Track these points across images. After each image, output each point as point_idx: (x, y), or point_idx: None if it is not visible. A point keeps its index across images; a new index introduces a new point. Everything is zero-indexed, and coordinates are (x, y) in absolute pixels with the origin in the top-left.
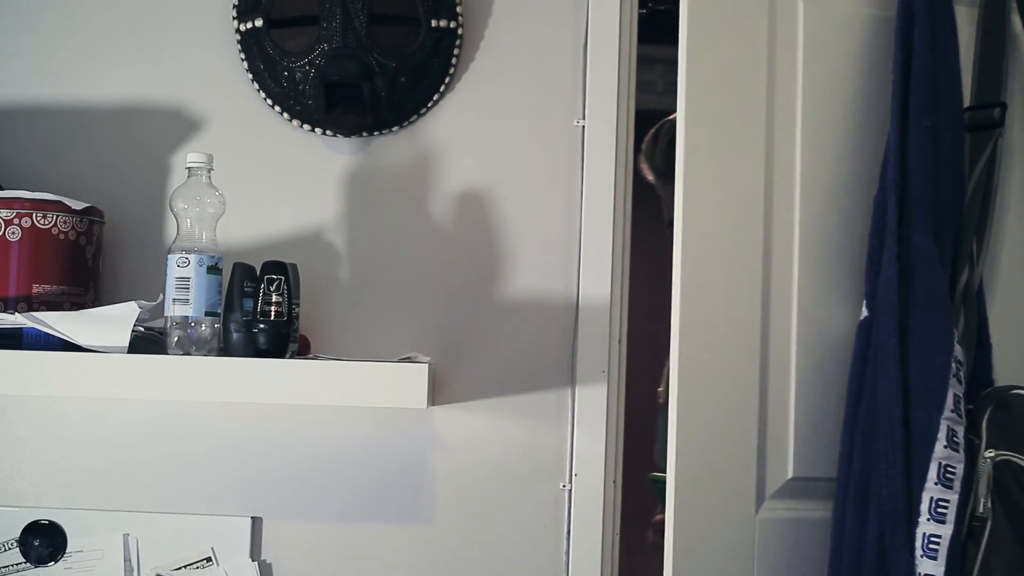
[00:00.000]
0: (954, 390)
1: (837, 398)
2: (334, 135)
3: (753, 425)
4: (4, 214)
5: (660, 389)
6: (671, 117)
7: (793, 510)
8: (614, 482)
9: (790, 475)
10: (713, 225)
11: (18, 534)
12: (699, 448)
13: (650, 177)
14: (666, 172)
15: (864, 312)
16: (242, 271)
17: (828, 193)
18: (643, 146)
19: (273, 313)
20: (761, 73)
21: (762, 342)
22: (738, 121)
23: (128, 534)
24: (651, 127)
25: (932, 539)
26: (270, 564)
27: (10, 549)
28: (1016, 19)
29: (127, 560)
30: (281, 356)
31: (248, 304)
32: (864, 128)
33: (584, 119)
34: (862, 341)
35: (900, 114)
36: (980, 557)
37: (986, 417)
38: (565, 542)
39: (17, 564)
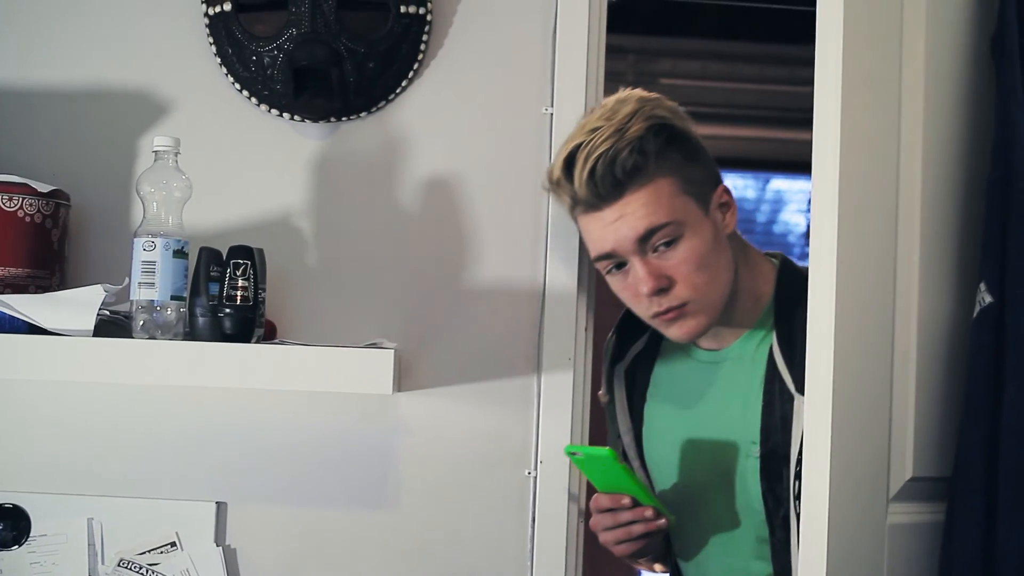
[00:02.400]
0: None
1: (954, 393)
2: (302, 120)
3: (885, 424)
4: None
5: (600, 393)
6: (587, 141)
7: (916, 513)
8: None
9: (910, 475)
10: (858, 223)
11: None
12: (848, 452)
13: (566, 205)
14: (589, 202)
15: (987, 299)
16: (208, 255)
17: (947, 180)
18: (555, 173)
19: (239, 298)
20: (893, 58)
21: (892, 337)
22: (871, 104)
23: (92, 518)
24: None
25: None
26: (235, 549)
27: None
28: None
29: (91, 544)
30: (247, 341)
31: (214, 288)
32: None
33: (552, 107)
34: (987, 332)
35: None
36: None
37: None
38: (530, 529)
39: None
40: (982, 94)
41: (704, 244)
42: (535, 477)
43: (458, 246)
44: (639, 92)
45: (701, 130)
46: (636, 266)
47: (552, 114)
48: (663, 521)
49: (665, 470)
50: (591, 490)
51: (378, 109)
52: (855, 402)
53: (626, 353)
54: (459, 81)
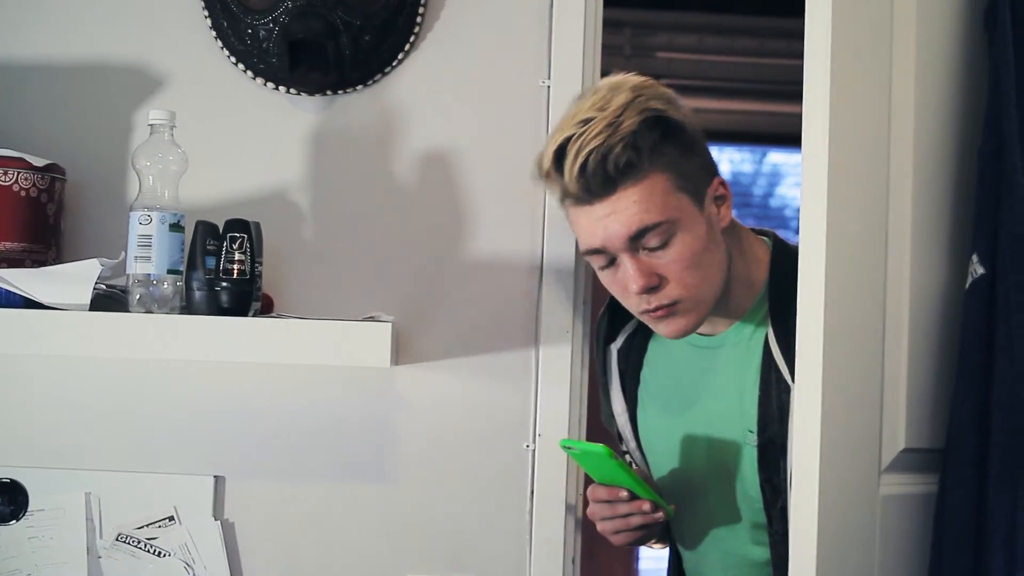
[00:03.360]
0: None
1: (947, 365)
2: (298, 93)
3: (877, 396)
4: None
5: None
6: (578, 133)
7: (909, 484)
8: None
9: (903, 446)
10: (848, 196)
11: None
12: (839, 424)
13: (556, 196)
14: (579, 196)
15: (979, 270)
16: (205, 229)
17: (939, 152)
18: (545, 165)
19: (236, 271)
20: (885, 30)
21: (883, 308)
22: (861, 77)
23: (90, 493)
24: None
25: None
26: (232, 523)
27: None
28: None
29: (89, 519)
30: (244, 314)
31: (211, 262)
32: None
33: (550, 79)
34: (979, 303)
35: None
36: None
37: None
38: (529, 502)
39: None
40: (975, 66)
41: (697, 242)
42: (533, 450)
43: (455, 219)
44: (633, 79)
45: (698, 103)
46: (626, 263)
47: (549, 87)
48: (660, 515)
49: (661, 454)
50: (588, 477)
51: (374, 82)
52: (846, 374)
53: (618, 333)
54: (456, 54)
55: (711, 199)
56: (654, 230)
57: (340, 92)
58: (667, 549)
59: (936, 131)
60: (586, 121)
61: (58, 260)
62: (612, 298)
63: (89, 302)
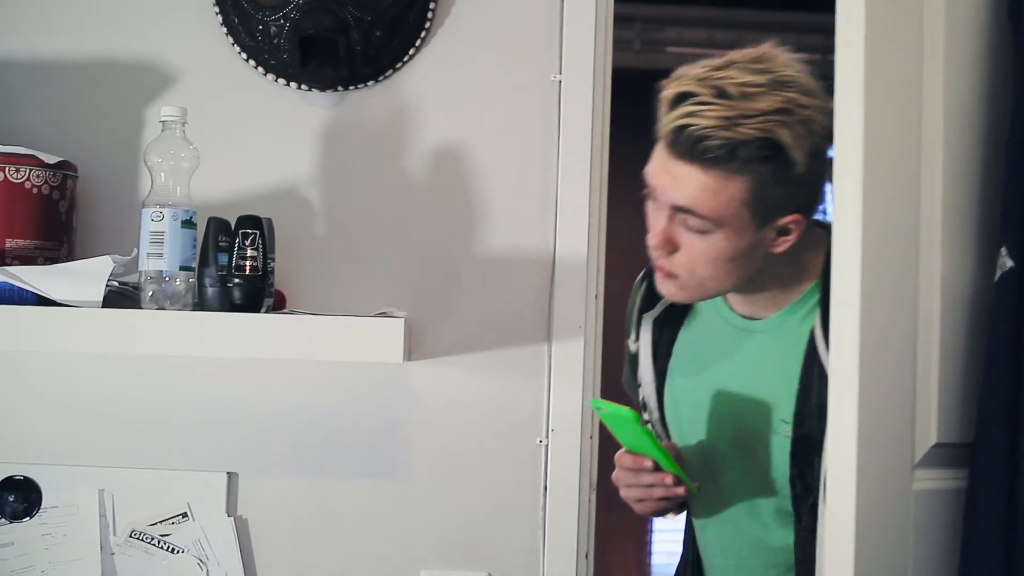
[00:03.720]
0: None
1: (977, 358)
2: (309, 89)
3: (910, 390)
4: None
5: (630, 341)
6: (703, 100)
7: (941, 479)
8: (591, 437)
9: (934, 441)
10: (881, 189)
11: None
12: (874, 419)
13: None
14: (663, 138)
15: (1008, 263)
16: (217, 225)
17: (968, 145)
18: (667, 92)
19: (248, 268)
20: (915, 26)
21: (916, 302)
22: (893, 73)
23: (103, 489)
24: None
25: None
26: (246, 519)
27: None
28: None
29: (102, 515)
30: (256, 311)
31: (223, 259)
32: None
33: (561, 74)
34: (1008, 295)
35: None
36: None
37: None
38: (542, 498)
39: None
40: (1001, 59)
41: (729, 251)
42: (547, 446)
43: (467, 214)
44: (798, 94)
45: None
46: (661, 216)
47: (560, 81)
48: (682, 490)
49: (685, 428)
50: (605, 454)
51: (385, 78)
52: (881, 369)
53: (656, 303)
54: (467, 49)
55: (775, 227)
56: (695, 217)
57: (351, 88)
58: (683, 521)
59: (964, 125)
60: (722, 93)
61: (70, 257)
62: (650, 267)
63: (102, 299)
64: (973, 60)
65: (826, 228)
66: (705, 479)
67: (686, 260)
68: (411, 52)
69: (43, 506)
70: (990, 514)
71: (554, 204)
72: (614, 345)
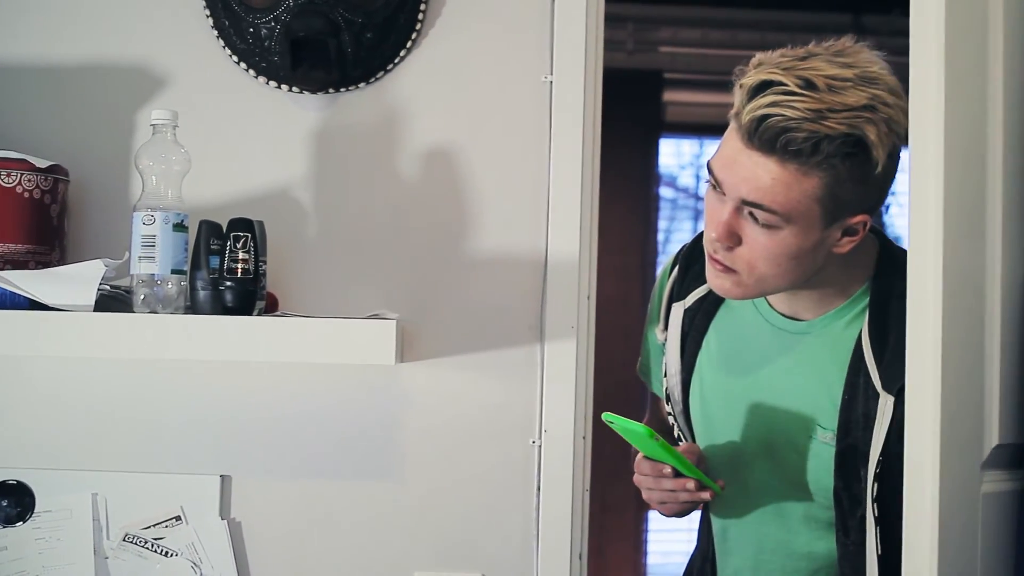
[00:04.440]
0: None
1: None
2: (300, 92)
3: (980, 391)
4: None
5: (658, 329)
6: (787, 90)
7: (1003, 480)
8: (584, 438)
9: (996, 441)
10: (957, 198)
11: None
12: (951, 423)
13: (734, 105)
14: (740, 128)
15: None
16: (208, 228)
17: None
18: (747, 82)
19: (240, 270)
20: (981, 28)
21: (984, 302)
22: (966, 80)
23: (97, 493)
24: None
25: None
26: (239, 522)
27: None
28: None
29: (96, 519)
30: (248, 313)
31: (215, 262)
32: None
33: (552, 75)
34: None
35: None
36: None
37: None
38: (535, 498)
39: None
40: None
41: (794, 248)
42: (540, 446)
43: (459, 216)
44: (884, 91)
45: (701, 98)
46: (726, 208)
47: (552, 82)
48: (707, 494)
49: (713, 424)
50: (599, 454)
51: (376, 80)
52: (958, 372)
53: (689, 293)
54: (458, 50)
55: (843, 226)
56: (766, 211)
57: (342, 90)
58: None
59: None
60: (810, 84)
61: (62, 261)
62: (687, 248)
63: (94, 303)
64: None
65: (875, 232)
66: (730, 478)
67: (747, 255)
68: (402, 54)
69: (36, 510)
70: None
71: (546, 205)
72: (607, 345)
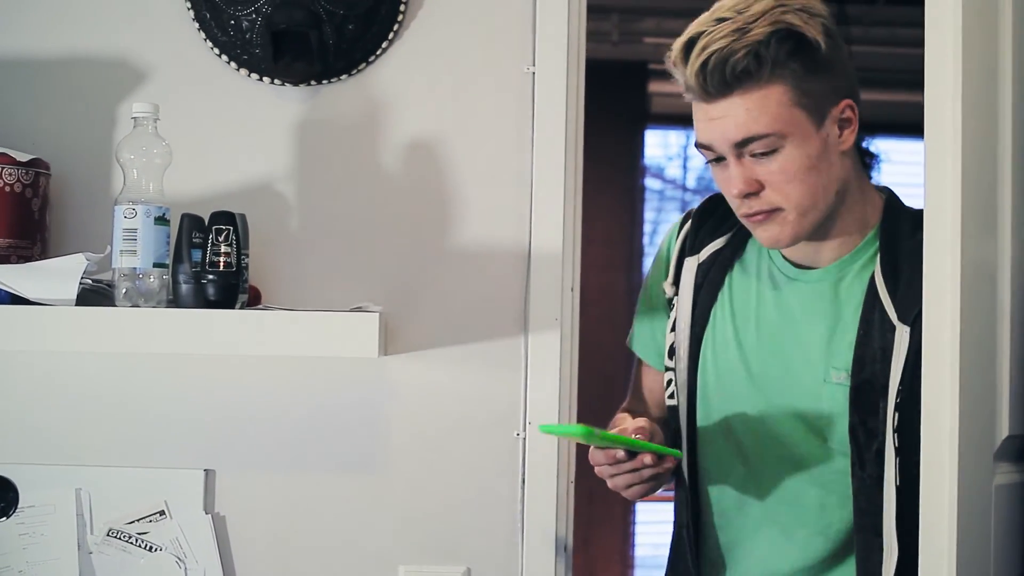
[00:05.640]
0: None
1: None
2: (282, 84)
3: (992, 382)
4: None
5: (666, 283)
6: (708, 31)
7: (1012, 472)
8: None
9: (1006, 433)
10: (972, 187)
11: None
12: (967, 415)
13: (680, 86)
14: (696, 92)
15: None
16: (190, 222)
17: None
18: (674, 54)
19: (222, 264)
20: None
21: (995, 291)
22: (979, 72)
23: (80, 488)
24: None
25: None
26: (224, 516)
27: None
28: None
29: (80, 515)
30: (231, 307)
31: (197, 255)
32: None
33: (534, 66)
34: None
35: None
36: None
37: None
38: (520, 490)
39: None
40: None
41: (805, 158)
42: (524, 438)
43: (442, 208)
44: None
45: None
46: (731, 165)
47: (534, 73)
48: (670, 463)
49: (723, 377)
50: (584, 446)
51: (358, 71)
52: (974, 362)
53: (703, 247)
54: (440, 42)
55: (834, 120)
56: (760, 140)
57: (324, 82)
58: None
59: None
60: (720, 20)
61: (43, 255)
62: (701, 205)
63: (75, 297)
64: None
65: (881, 190)
66: (744, 429)
67: (773, 191)
68: (384, 45)
69: (20, 506)
70: None
71: (529, 196)
72: (592, 338)
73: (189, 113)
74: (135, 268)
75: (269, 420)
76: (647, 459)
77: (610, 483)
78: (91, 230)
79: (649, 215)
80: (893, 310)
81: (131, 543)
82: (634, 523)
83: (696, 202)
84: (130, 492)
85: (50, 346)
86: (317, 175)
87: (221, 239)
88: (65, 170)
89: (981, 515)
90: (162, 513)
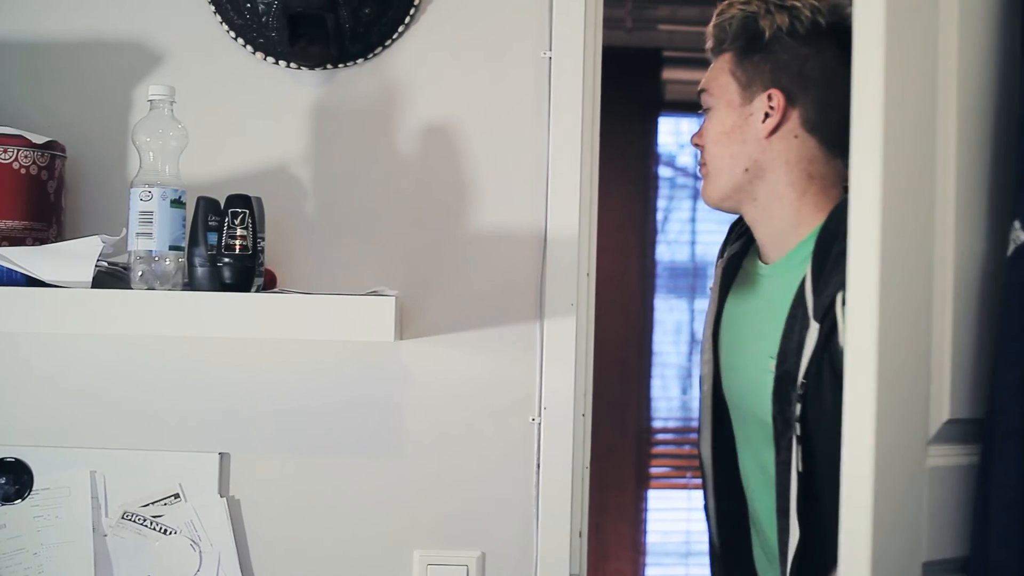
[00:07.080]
0: None
1: (990, 334)
2: (298, 68)
3: (925, 367)
4: None
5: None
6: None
7: (954, 455)
8: (583, 415)
9: (947, 417)
10: (900, 164)
11: None
12: (891, 396)
13: (710, 44)
14: (719, 48)
15: (1021, 237)
16: (206, 205)
17: (981, 120)
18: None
19: (238, 247)
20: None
21: (931, 277)
22: (910, 47)
23: (95, 471)
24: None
25: None
26: (238, 500)
27: None
28: None
29: (94, 497)
30: (246, 290)
31: (213, 238)
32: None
33: (551, 51)
34: (1021, 270)
35: None
36: None
37: None
38: (535, 476)
39: None
40: (1016, 35)
41: (721, 126)
42: (539, 424)
43: (458, 192)
44: None
45: (698, 76)
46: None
47: (551, 58)
48: None
49: (726, 359)
50: (598, 432)
51: (374, 55)
52: (898, 345)
53: (725, 251)
54: (456, 26)
55: (762, 105)
56: (703, 93)
57: (340, 66)
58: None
59: (978, 100)
60: None
61: (59, 238)
62: (733, 223)
63: (91, 279)
64: (989, 36)
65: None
66: (736, 403)
67: (707, 144)
68: (400, 29)
69: (35, 488)
70: (1003, 489)
71: (545, 182)
72: (607, 323)
73: (205, 96)
74: (151, 251)
75: (284, 403)
76: None
77: None
78: (107, 212)
79: (661, 202)
80: (812, 306)
81: (146, 526)
82: (646, 510)
83: None
84: (145, 475)
85: (66, 329)
86: (333, 159)
87: (237, 222)
88: (81, 152)
89: (906, 497)
90: (177, 496)
